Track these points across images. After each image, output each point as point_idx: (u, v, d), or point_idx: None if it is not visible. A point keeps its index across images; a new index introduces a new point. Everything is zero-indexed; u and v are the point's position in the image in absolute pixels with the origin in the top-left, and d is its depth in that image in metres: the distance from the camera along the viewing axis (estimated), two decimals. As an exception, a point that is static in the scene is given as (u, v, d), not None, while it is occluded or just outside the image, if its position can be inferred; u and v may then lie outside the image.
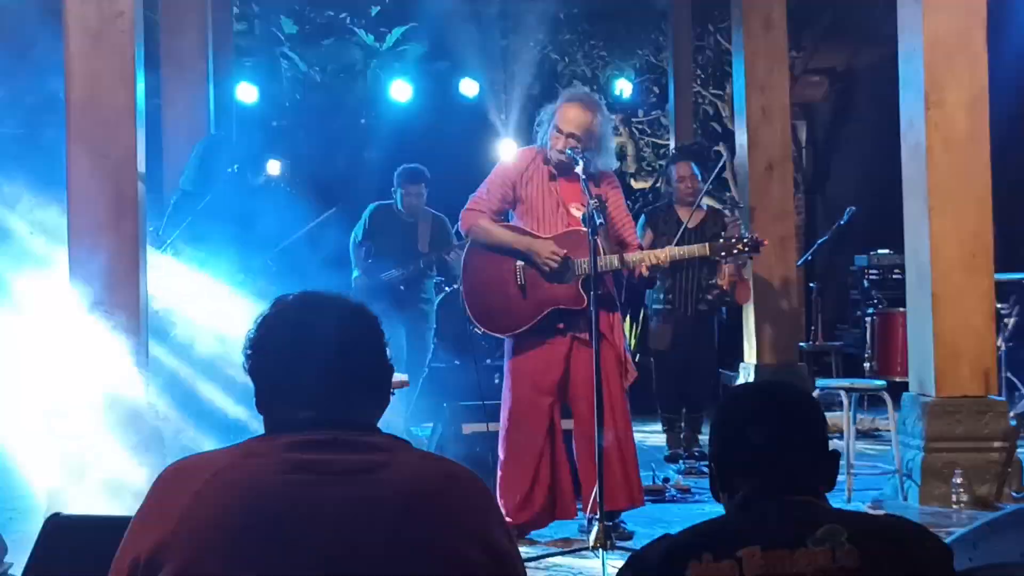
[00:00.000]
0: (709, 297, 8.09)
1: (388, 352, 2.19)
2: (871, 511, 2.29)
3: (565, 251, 5.66)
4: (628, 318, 12.17)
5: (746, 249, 5.78)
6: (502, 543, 2.01)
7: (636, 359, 7.88)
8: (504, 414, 5.87)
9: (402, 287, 8.70)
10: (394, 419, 8.75)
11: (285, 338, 2.10)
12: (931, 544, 2.16)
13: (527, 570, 5.21)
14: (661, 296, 8.10)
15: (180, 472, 1.99)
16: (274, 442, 2.00)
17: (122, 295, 5.86)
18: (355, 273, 8.87)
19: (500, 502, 5.82)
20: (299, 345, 2.08)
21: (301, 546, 1.88)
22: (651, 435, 9.26)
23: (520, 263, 5.74)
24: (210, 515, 1.89)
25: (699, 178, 8.16)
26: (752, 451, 2.28)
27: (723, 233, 5.93)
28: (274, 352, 2.10)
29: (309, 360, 2.06)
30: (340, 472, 1.94)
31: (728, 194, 13.97)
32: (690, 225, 7.98)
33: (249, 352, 2.12)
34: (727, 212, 8.68)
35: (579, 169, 5.59)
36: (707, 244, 5.85)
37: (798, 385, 2.49)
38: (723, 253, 5.85)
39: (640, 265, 5.70)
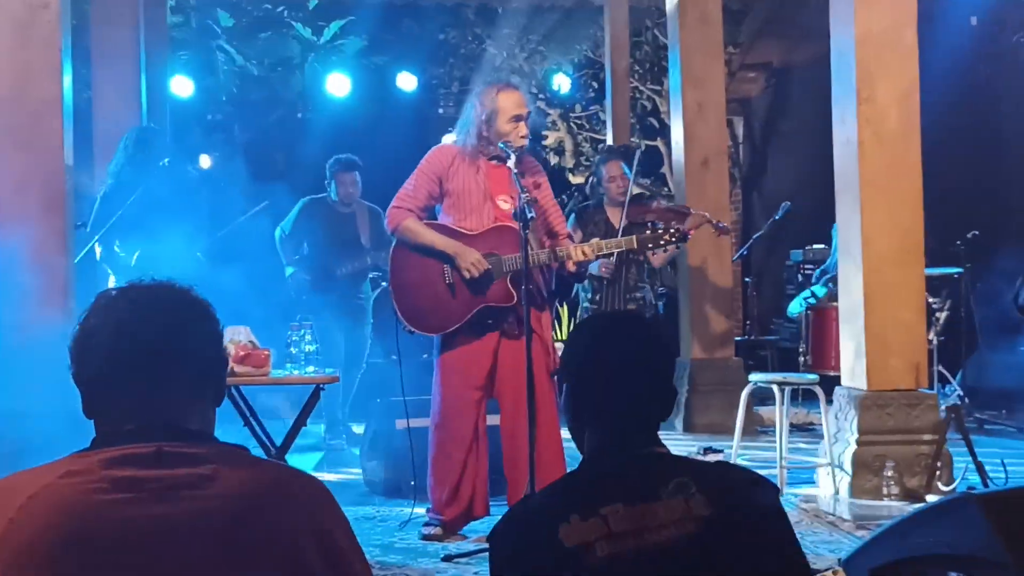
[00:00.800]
0: (637, 295, 8.09)
1: (220, 342, 2.10)
2: (720, 464, 2.38)
3: (487, 266, 5.62)
4: (565, 313, 12.21)
5: (673, 240, 5.77)
6: (341, 544, 1.94)
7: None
8: (434, 409, 5.85)
9: (347, 279, 8.70)
10: (332, 415, 8.71)
11: (102, 342, 1.97)
12: (764, 484, 2.29)
13: (465, 566, 5.20)
14: (589, 295, 8.10)
15: None
16: (94, 458, 1.88)
17: (50, 289, 5.77)
18: (289, 270, 8.81)
19: (431, 496, 5.82)
20: (117, 349, 1.96)
21: (124, 570, 1.80)
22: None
23: (448, 265, 5.71)
24: (24, 543, 1.78)
25: (629, 178, 8.13)
26: (596, 379, 2.39)
27: (649, 223, 5.87)
28: (92, 358, 1.98)
29: (128, 364, 1.96)
30: (163, 489, 1.85)
31: (665, 189, 14.02)
32: (618, 226, 7.94)
33: (70, 357, 2.01)
34: (649, 195, 8.61)
35: (511, 163, 5.57)
36: (633, 237, 5.84)
37: (645, 318, 2.62)
38: (650, 245, 5.85)
39: (568, 260, 5.67)
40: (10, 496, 1.84)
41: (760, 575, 2.19)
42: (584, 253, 5.67)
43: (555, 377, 5.70)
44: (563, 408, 2.47)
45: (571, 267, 5.70)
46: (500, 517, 2.32)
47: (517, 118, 5.73)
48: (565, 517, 2.16)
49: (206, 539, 1.83)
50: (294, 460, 7.26)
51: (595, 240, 5.94)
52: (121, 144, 7.40)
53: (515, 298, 5.56)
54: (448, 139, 5.98)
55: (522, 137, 5.75)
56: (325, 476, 7.68)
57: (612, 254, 7.62)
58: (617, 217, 7.91)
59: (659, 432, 2.40)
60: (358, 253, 8.75)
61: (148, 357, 1.96)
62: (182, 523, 1.83)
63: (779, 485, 6.55)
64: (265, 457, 5.43)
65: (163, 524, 1.82)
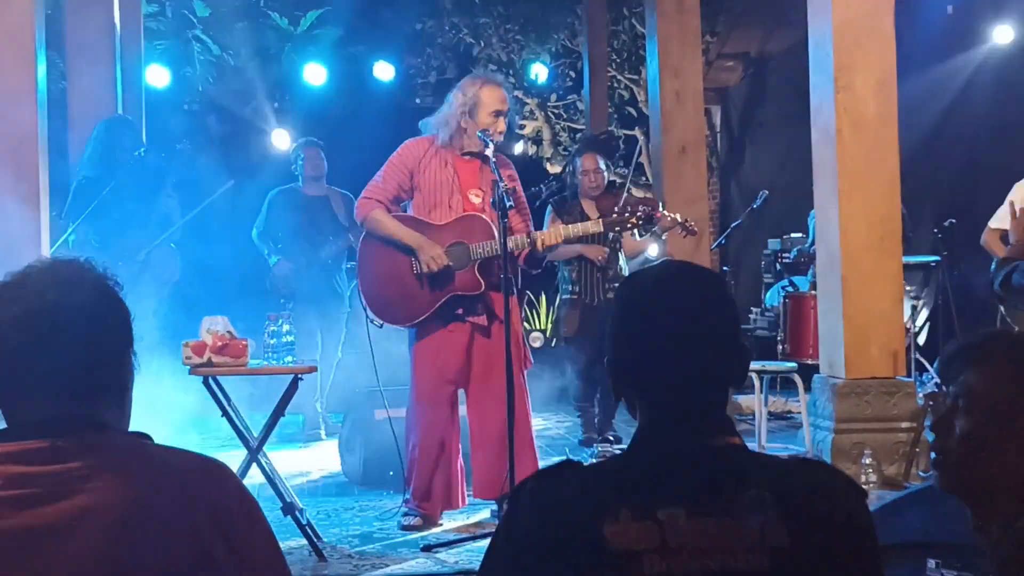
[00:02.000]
0: (617, 285, 8.07)
1: (124, 328, 2.03)
2: (798, 464, 2.01)
3: (446, 263, 5.61)
4: (544, 303, 12.20)
5: (639, 222, 5.75)
6: (237, 523, 1.91)
7: (552, 344, 7.86)
8: (410, 401, 5.86)
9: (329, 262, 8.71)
10: (309, 405, 8.69)
11: (5, 328, 1.92)
12: (856, 510, 1.95)
13: (444, 556, 5.18)
14: (569, 286, 8.07)
15: None
16: None
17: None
18: (274, 259, 8.78)
19: (409, 487, 5.82)
20: (12, 341, 1.91)
21: (14, 569, 1.79)
22: (564, 422, 9.26)
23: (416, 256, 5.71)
24: None
25: (604, 171, 8.09)
26: (657, 343, 2.01)
27: (625, 209, 5.84)
28: None
29: (22, 358, 1.91)
30: (53, 485, 1.83)
31: (644, 179, 14.02)
32: (593, 217, 7.91)
33: None
34: (630, 189, 8.57)
35: (489, 151, 5.56)
36: (600, 219, 5.83)
37: (705, 269, 2.18)
38: (616, 228, 5.83)
39: (523, 249, 5.68)
40: None
41: None
42: (553, 238, 5.69)
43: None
44: (609, 376, 2.10)
45: (538, 251, 5.74)
46: (528, 480, 1.98)
47: (498, 113, 5.73)
48: (614, 511, 1.86)
49: (98, 534, 1.81)
50: (272, 451, 7.25)
51: (559, 225, 5.94)
52: (93, 135, 7.36)
53: (482, 286, 5.59)
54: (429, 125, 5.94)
55: (499, 133, 5.75)
56: (304, 468, 7.67)
57: (608, 238, 7.59)
58: (592, 208, 7.89)
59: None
60: (339, 233, 8.74)
61: (36, 349, 1.90)
62: (72, 519, 1.81)
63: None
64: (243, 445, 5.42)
65: (54, 521, 1.80)
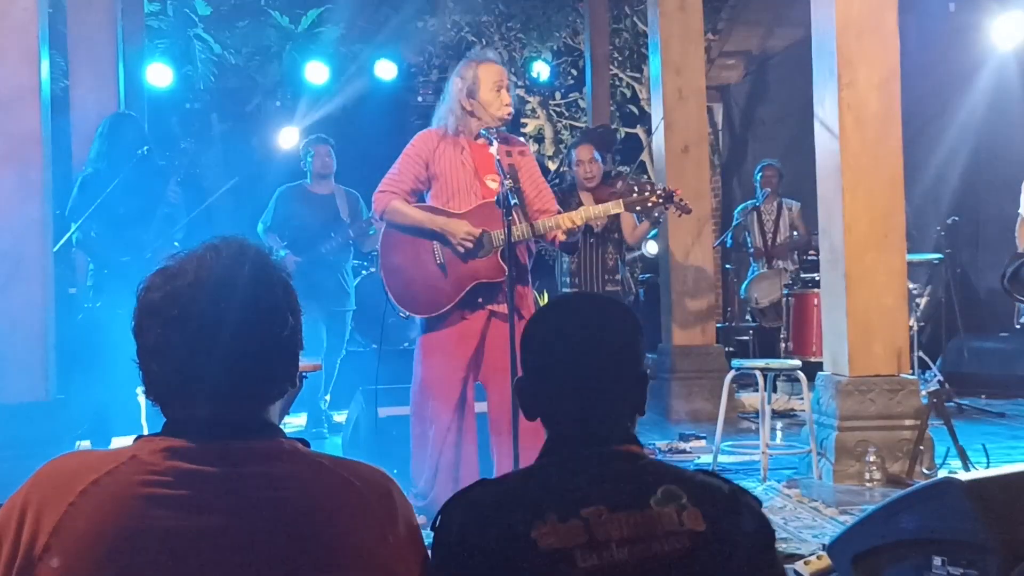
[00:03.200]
0: (617, 276, 8.07)
1: (299, 320, 1.94)
2: (701, 472, 2.18)
3: (480, 230, 5.59)
4: (545, 297, 12.19)
5: (660, 200, 5.69)
6: (401, 537, 1.88)
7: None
8: (414, 390, 5.81)
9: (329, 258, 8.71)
10: (314, 404, 8.70)
11: (170, 321, 1.82)
12: (753, 503, 2.09)
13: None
14: (567, 279, 8.06)
15: (58, 474, 1.80)
16: (161, 445, 1.81)
17: (26, 278, 5.74)
18: (282, 253, 8.78)
19: (414, 480, 5.79)
20: (182, 327, 1.81)
21: (179, 568, 1.74)
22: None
23: (439, 244, 5.68)
24: (82, 531, 1.73)
25: (600, 163, 8.08)
26: (557, 369, 2.14)
27: (635, 189, 5.79)
28: (157, 339, 1.83)
29: (194, 346, 1.80)
30: (227, 487, 1.78)
31: (645, 176, 14.02)
32: None
33: (135, 330, 1.85)
34: (627, 177, 8.56)
35: (493, 150, 5.55)
36: (620, 200, 5.76)
37: (615, 299, 2.29)
38: (637, 208, 5.77)
39: (555, 231, 5.65)
40: (73, 479, 1.78)
41: None
42: (573, 221, 5.63)
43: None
44: (517, 396, 2.21)
45: (561, 236, 5.68)
46: (450, 498, 2.05)
47: (498, 86, 5.72)
48: (540, 514, 1.94)
49: (270, 539, 1.77)
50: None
51: (582, 208, 5.88)
52: (98, 131, 7.36)
53: (506, 272, 5.52)
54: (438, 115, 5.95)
55: (506, 105, 5.73)
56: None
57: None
58: (589, 200, 7.88)
59: (634, 427, 2.19)
60: (339, 229, 8.74)
61: (217, 338, 1.81)
62: (245, 523, 1.77)
63: (762, 471, 6.57)
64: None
65: (225, 523, 1.76)
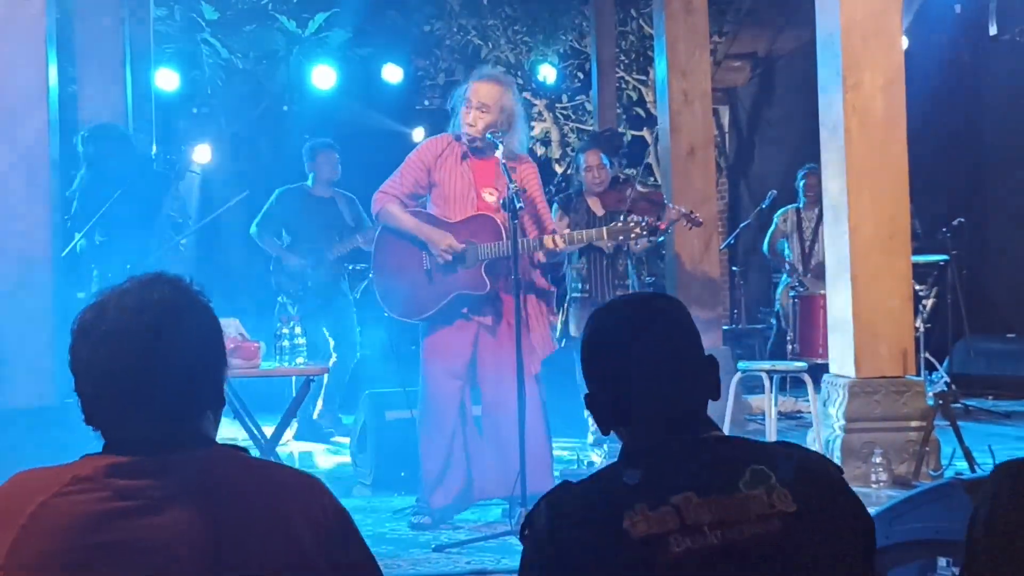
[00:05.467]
0: (627, 282, 8.06)
1: (219, 343, 2.04)
2: (782, 445, 2.15)
3: (462, 246, 5.66)
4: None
5: (643, 233, 5.79)
6: (335, 531, 1.96)
7: (561, 344, 7.86)
8: (420, 397, 5.91)
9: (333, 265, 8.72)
10: (331, 397, 8.73)
11: (93, 357, 1.94)
12: (838, 475, 2.10)
13: (456, 556, 5.20)
14: (579, 285, 8.06)
15: (7, 499, 1.90)
16: (100, 463, 1.90)
17: (34, 283, 5.77)
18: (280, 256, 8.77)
19: (421, 484, 5.85)
20: (108, 364, 1.93)
21: None
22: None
23: (426, 252, 5.76)
24: (36, 552, 1.82)
25: (608, 167, 8.07)
26: (631, 373, 2.11)
27: (623, 217, 5.88)
28: (85, 372, 1.95)
29: (121, 379, 1.92)
30: (163, 497, 1.87)
31: (652, 179, 14.03)
32: (599, 214, 7.90)
33: (68, 362, 1.98)
34: (636, 183, 8.53)
35: (499, 153, 5.59)
36: (604, 228, 5.85)
37: (657, 293, 2.30)
38: (620, 237, 5.87)
39: (536, 252, 5.73)
40: (21, 502, 1.87)
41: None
42: (555, 243, 5.72)
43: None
44: (591, 412, 2.19)
45: (540, 257, 5.80)
46: (536, 502, 2.05)
47: (467, 103, 5.77)
48: (630, 504, 1.94)
49: (207, 544, 1.85)
50: (284, 451, 7.27)
51: (567, 231, 5.95)
52: (80, 149, 7.37)
53: (487, 286, 5.64)
54: (425, 133, 6.02)
55: (467, 124, 5.79)
56: (316, 468, 7.68)
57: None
58: (597, 205, 7.89)
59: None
60: (346, 235, 8.76)
61: (140, 371, 1.92)
62: (177, 532, 1.84)
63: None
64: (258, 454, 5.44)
65: (165, 532, 1.84)
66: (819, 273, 9.96)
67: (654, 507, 1.93)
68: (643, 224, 5.77)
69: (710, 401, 2.22)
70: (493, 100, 5.77)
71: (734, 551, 1.92)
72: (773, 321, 11.31)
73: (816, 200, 10.27)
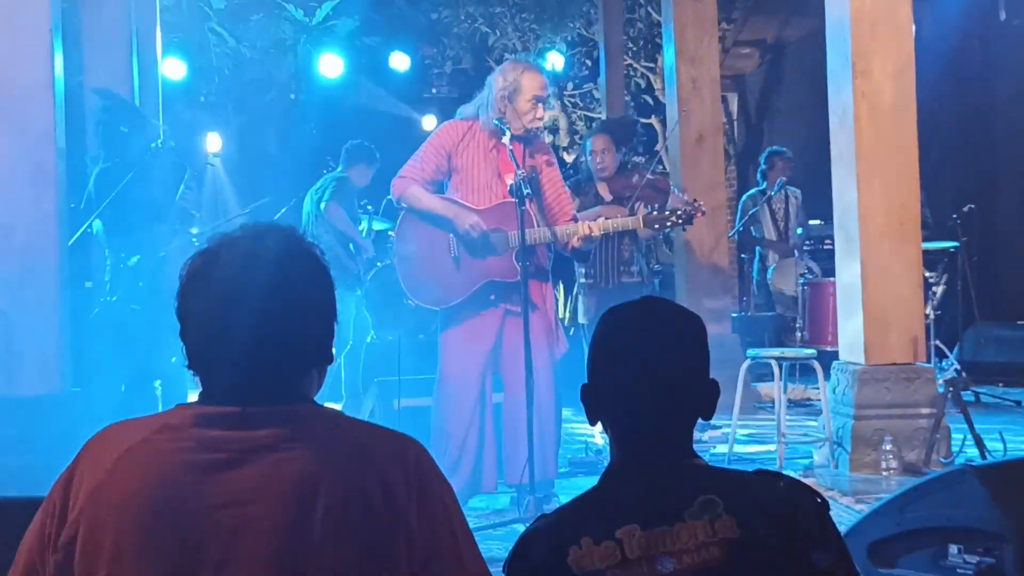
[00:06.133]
0: (632, 268, 8.03)
1: (333, 300, 2.00)
2: (756, 474, 2.13)
3: (487, 226, 5.62)
4: (561, 290, 12.20)
5: (680, 221, 5.77)
6: (431, 494, 1.91)
7: (570, 332, 7.86)
8: (438, 384, 5.87)
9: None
10: (353, 388, 8.73)
11: (209, 298, 1.91)
12: (803, 502, 2.05)
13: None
14: (583, 270, 8.03)
15: (99, 443, 1.91)
16: (188, 413, 1.89)
17: (40, 272, 5.76)
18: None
19: None
20: (223, 307, 1.89)
21: (207, 530, 1.80)
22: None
23: (454, 237, 5.71)
24: (119, 498, 1.82)
25: (615, 153, 8.03)
26: (627, 378, 2.12)
27: (657, 209, 5.86)
28: (196, 310, 1.92)
29: (233, 322, 1.88)
30: (244, 451, 1.84)
31: (660, 167, 14.00)
32: (607, 199, 7.87)
33: (176, 306, 1.95)
34: (645, 171, 8.46)
35: (506, 139, 5.56)
36: (640, 217, 5.81)
37: (682, 308, 2.27)
38: (656, 226, 5.83)
39: (572, 238, 5.68)
40: (109, 448, 1.88)
41: None
42: (591, 229, 5.67)
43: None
44: (582, 400, 2.20)
45: (576, 243, 5.71)
46: (518, 541, 2.10)
47: (537, 99, 5.74)
48: (576, 539, 1.98)
49: (284, 500, 1.82)
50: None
51: (601, 219, 5.90)
52: (94, 117, 7.37)
53: (518, 273, 5.55)
54: (466, 110, 5.96)
55: (538, 119, 5.78)
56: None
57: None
58: (605, 191, 7.87)
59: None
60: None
61: (251, 323, 1.88)
62: (262, 484, 1.82)
63: (778, 460, 6.56)
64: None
65: (243, 485, 1.82)
66: (799, 248, 9.94)
67: (599, 541, 1.97)
68: (679, 213, 5.74)
69: (721, 388, 2.20)
70: (547, 91, 5.84)
71: None
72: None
73: (778, 182, 10.17)
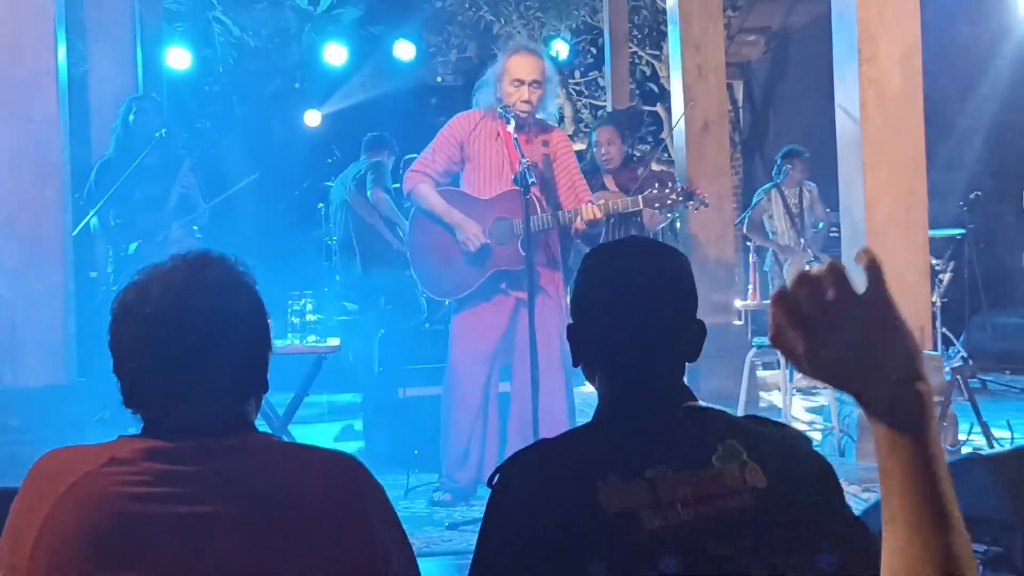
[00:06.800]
0: None
1: (265, 327, 1.99)
2: (752, 420, 2.11)
3: (486, 240, 5.63)
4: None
5: (680, 199, 5.73)
6: (374, 518, 1.92)
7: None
8: (448, 374, 5.89)
9: None
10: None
11: (140, 332, 1.88)
12: (807, 448, 2.04)
13: (471, 534, 5.19)
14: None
15: (43, 476, 1.87)
16: (138, 446, 1.86)
17: (45, 263, 5.76)
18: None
19: (443, 461, 5.83)
20: (156, 341, 1.87)
21: (161, 565, 1.78)
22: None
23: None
24: (66, 531, 1.78)
25: (620, 144, 8.01)
26: (612, 313, 2.08)
27: (656, 187, 5.81)
28: (130, 344, 1.89)
29: (168, 358, 1.87)
30: (201, 483, 1.83)
31: (666, 155, 13.97)
32: (613, 191, 7.83)
33: (108, 342, 1.91)
34: (650, 162, 8.41)
35: (510, 128, 5.55)
36: (640, 196, 5.79)
37: (668, 246, 2.22)
38: (656, 205, 5.79)
39: (575, 222, 5.67)
40: (55, 480, 1.83)
41: (819, 551, 1.93)
42: (594, 213, 5.66)
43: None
44: (568, 340, 2.15)
45: (580, 225, 5.70)
46: (508, 458, 2.02)
47: (519, 82, 5.70)
48: (603, 475, 1.90)
49: (244, 531, 1.81)
50: (302, 431, 7.25)
51: (603, 201, 5.90)
52: (119, 115, 7.38)
53: (524, 258, 5.55)
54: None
55: (524, 102, 5.71)
56: (328, 447, 7.67)
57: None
58: (611, 183, 7.86)
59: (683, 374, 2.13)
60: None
61: (187, 354, 1.87)
62: (220, 516, 1.81)
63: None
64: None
65: (202, 518, 1.80)
66: (816, 243, 9.84)
67: (627, 479, 1.90)
68: (679, 190, 5.71)
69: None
70: (542, 73, 5.77)
71: (707, 526, 1.89)
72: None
73: (796, 182, 10.04)
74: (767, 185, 10.32)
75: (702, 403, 2.09)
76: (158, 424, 1.90)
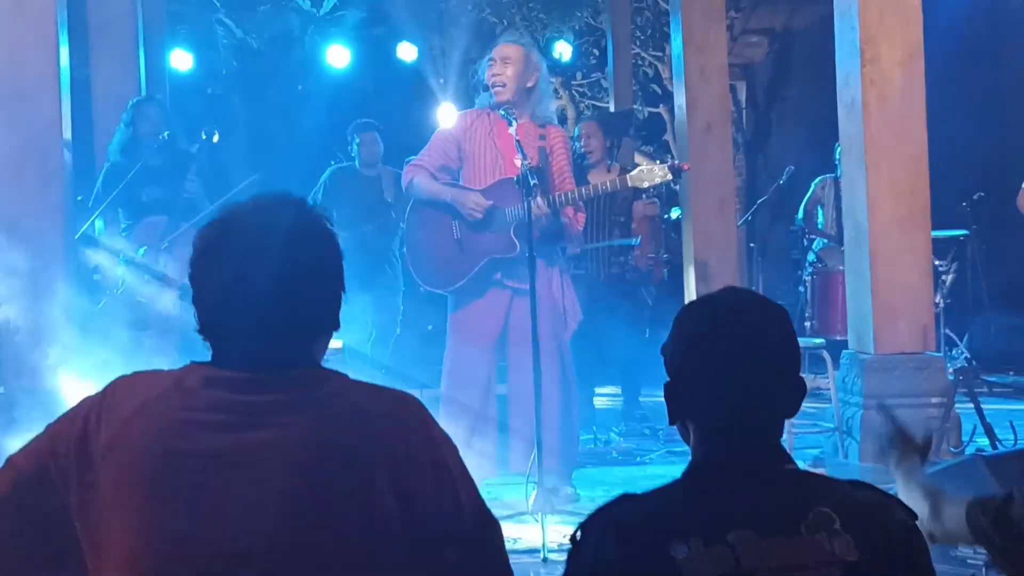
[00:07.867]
0: (620, 258, 8.00)
1: (341, 269, 2.05)
2: (851, 485, 2.04)
3: (489, 202, 5.64)
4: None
5: (669, 177, 5.70)
6: (434, 459, 1.95)
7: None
8: (444, 368, 5.89)
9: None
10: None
11: (222, 267, 1.96)
12: (910, 523, 1.99)
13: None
14: (573, 262, 7.98)
15: (123, 390, 1.97)
16: (201, 374, 1.95)
17: (48, 267, 5.75)
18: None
19: None
20: (236, 275, 1.94)
21: (212, 490, 1.85)
22: (603, 399, 9.17)
23: (457, 220, 5.73)
24: (128, 450, 1.88)
25: (600, 140, 8.03)
26: (716, 375, 2.00)
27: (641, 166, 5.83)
28: (209, 280, 1.98)
29: (246, 291, 1.93)
30: (252, 413, 1.89)
31: (669, 156, 13.96)
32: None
33: (189, 275, 2.00)
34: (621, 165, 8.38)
35: (512, 130, 5.55)
36: (628, 176, 5.77)
37: (770, 300, 2.13)
38: (645, 183, 5.77)
39: (566, 208, 5.71)
40: (127, 398, 1.94)
41: None
42: (581, 194, 5.71)
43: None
44: (665, 399, 2.08)
45: (570, 212, 5.77)
46: (592, 513, 1.97)
47: (491, 62, 5.82)
48: (683, 536, 1.85)
49: (291, 463, 1.86)
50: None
51: (592, 184, 5.96)
52: (123, 117, 7.38)
53: (517, 248, 5.59)
54: (448, 110, 6.01)
55: (495, 75, 5.79)
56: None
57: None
58: (592, 178, 7.83)
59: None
60: (381, 210, 8.74)
61: (265, 290, 1.93)
62: (268, 447, 1.87)
63: (787, 450, 6.54)
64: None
65: (250, 447, 1.87)
66: None
67: (710, 543, 1.85)
68: (669, 166, 5.70)
69: (807, 388, 2.11)
70: (515, 53, 5.82)
71: None
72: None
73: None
74: (826, 176, 10.11)
75: (800, 466, 2.04)
76: (227, 354, 1.97)
